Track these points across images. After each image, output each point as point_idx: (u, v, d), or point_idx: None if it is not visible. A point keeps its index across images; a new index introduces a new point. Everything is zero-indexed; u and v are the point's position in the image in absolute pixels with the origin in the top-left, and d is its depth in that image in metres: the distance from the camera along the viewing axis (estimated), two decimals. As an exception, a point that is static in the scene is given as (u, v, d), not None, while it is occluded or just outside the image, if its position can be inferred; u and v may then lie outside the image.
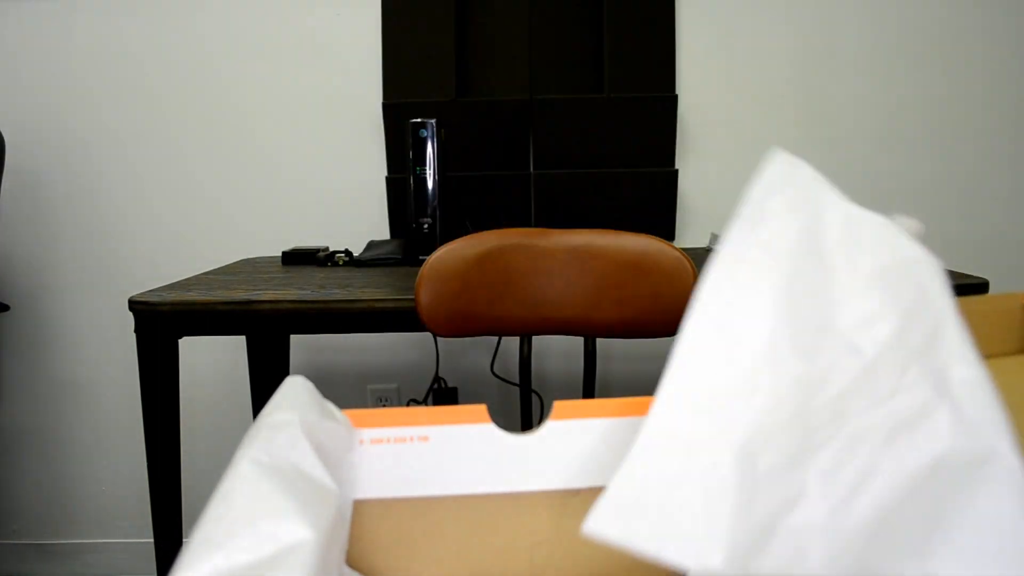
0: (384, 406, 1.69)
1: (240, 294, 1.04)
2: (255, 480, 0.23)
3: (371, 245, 1.48)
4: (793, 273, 0.29)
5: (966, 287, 1.04)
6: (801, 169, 0.32)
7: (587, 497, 0.30)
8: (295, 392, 0.29)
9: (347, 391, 1.72)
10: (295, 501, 0.23)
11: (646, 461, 0.25)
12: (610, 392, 1.70)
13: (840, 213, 0.30)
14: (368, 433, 0.30)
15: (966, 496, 0.20)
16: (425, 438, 0.30)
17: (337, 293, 1.04)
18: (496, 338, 1.63)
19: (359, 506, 0.29)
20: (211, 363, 1.72)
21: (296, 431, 0.26)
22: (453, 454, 0.30)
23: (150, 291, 1.07)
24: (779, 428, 0.25)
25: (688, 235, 1.67)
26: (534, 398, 1.70)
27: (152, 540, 1.43)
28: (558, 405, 0.30)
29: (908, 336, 0.25)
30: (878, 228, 0.29)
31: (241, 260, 1.50)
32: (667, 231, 1.61)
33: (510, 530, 0.30)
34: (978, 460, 0.20)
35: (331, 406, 0.30)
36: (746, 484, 0.24)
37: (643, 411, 0.30)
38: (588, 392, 1.09)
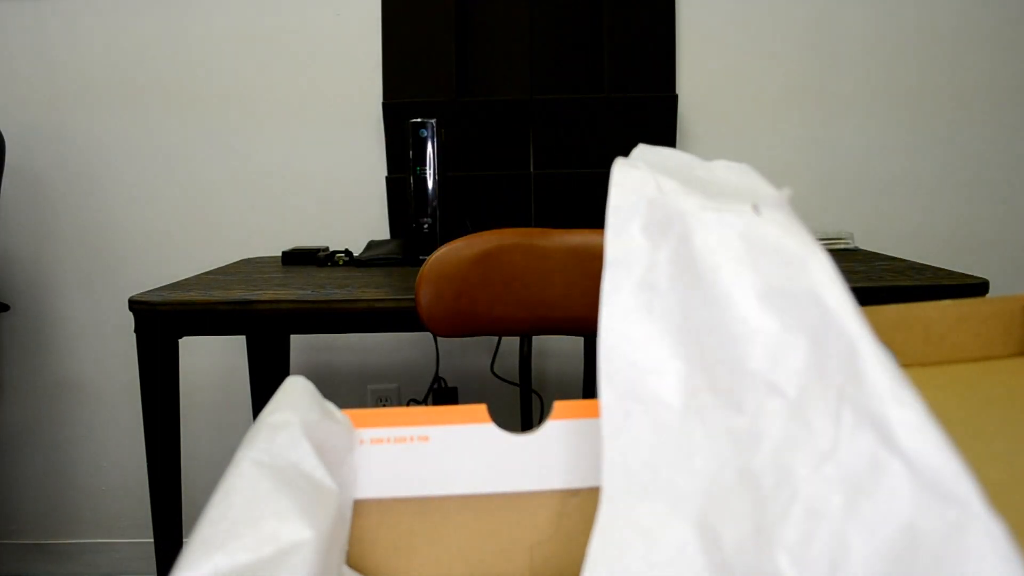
0: (384, 406, 1.70)
1: (240, 294, 1.04)
2: (255, 480, 0.23)
3: (371, 245, 1.48)
4: (684, 311, 0.27)
5: (966, 287, 1.04)
6: (646, 174, 0.29)
7: (587, 497, 0.30)
8: (295, 392, 0.29)
9: (347, 391, 1.72)
10: (295, 501, 0.23)
11: (608, 558, 0.24)
12: (610, 392, 1.70)
13: (704, 221, 0.27)
14: (368, 433, 0.30)
15: (954, 572, 0.19)
16: (425, 438, 0.30)
17: (337, 293, 1.04)
18: (496, 338, 1.63)
19: (359, 506, 0.29)
20: (211, 363, 1.72)
21: (296, 431, 0.26)
22: (453, 454, 0.30)
23: (150, 291, 1.07)
24: (729, 493, 0.24)
25: (688, 235, 1.67)
26: (534, 398, 1.70)
27: (152, 540, 1.43)
28: (558, 405, 0.30)
29: (824, 364, 0.23)
30: (749, 229, 0.27)
31: (241, 260, 1.50)
32: (667, 231, 1.61)
33: (510, 530, 0.30)
34: (955, 527, 0.19)
35: (331, 406, 0.30)
36: (716, 569, 0.23)
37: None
38: (588, 392, 1.09)
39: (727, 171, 0.32)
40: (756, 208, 0.27)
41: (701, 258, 0.27)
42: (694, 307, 0.27)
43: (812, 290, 0.24)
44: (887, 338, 0.39)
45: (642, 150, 0.34)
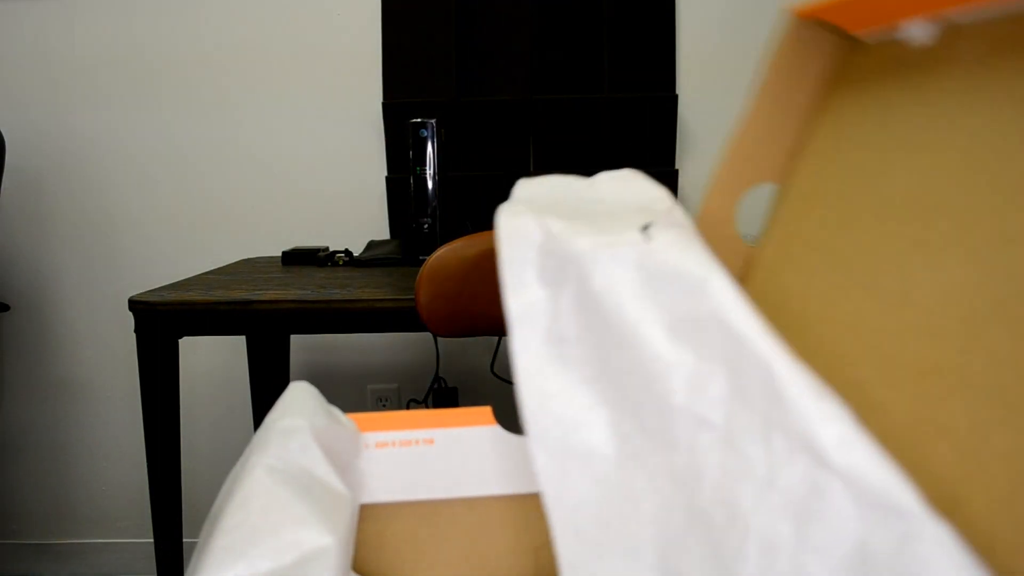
0: (384, 406, 1.70)
1: (240, 294, 1.04)
2: (271, 487, 0.23)
3: (371, 245, 1.49)
4: (599, 356, 0.26)
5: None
6: (530, 221, 0.28)
7: (591, 500, 0.30)
8: (302, 397, 0.29)
9: (347, 391, 1.72)
10: (314, 508, 0.23)
11: None
12: (609, 392, 1.70)
13: (599, 261, 0.27)
14: (373, 437, 0.30)
15: None
16: (430, 441, 0.30)
17: (337, 293, 1.04)
18: (496, 338, 1.63)
19: (365, 510, 0.29)
20: (211, 363, 1.72)
21: (307, 437, 0.26)
22: (458, 456, 0.30)
23: (150, 291, 1.07)
24: (684, 535, 0.23)
25: (687, 235, 1.67)
26: (534, 398, 1.70)
27: (152, 540, 1.43)
28: (561, 408, 0.30)
29: (745, 390, 0.23)
30: (644, 259, 0.26)
31: (241, 260, 1.50)
32: (666, 231, 1.61)
33: (515, 532, 0.30)
34: (905, 539, 0.19)
35: (336, 411, 0.30)
36: None
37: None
38: (588, 392, 1.09)
39: (612, 183, 0.31)
40: (647, 229, 0.27)
41: (603, 299, 0.26)
42: (608, 350, 0.26)
43: (717, 315, 0.24)
44: None
45: (522, 185, 0.33)
